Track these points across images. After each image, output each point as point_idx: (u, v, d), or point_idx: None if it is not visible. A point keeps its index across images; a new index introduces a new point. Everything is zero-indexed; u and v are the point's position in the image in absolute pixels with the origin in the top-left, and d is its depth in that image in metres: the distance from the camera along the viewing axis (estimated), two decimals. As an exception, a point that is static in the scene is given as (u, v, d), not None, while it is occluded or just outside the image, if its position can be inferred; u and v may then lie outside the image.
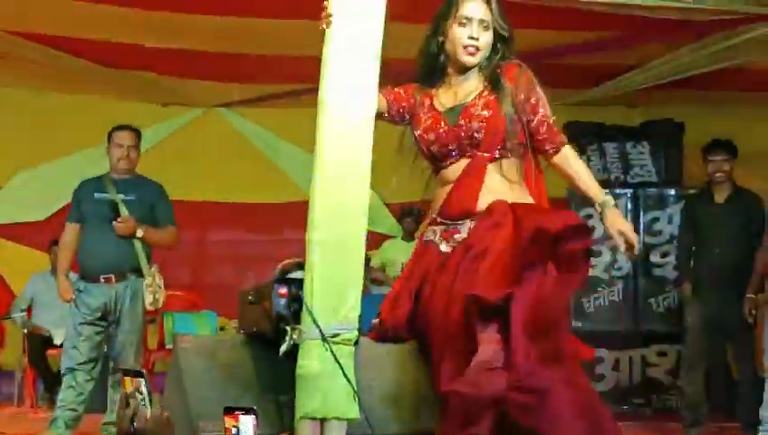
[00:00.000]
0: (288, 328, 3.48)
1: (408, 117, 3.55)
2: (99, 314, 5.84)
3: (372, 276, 9.08)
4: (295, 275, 3.60)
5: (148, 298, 5.92)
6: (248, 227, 9.28)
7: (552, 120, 3.47)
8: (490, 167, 3.40)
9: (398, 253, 9.31)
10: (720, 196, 6.71)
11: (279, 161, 9.00)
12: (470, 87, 3.47)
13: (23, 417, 7.44)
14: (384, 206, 9.45)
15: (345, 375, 3.41)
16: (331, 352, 3.40)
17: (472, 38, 3.43)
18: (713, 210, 6.71)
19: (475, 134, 3.38)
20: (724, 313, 6.44)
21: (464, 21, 3.44)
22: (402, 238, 9.39)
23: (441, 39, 3.47)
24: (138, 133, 6.22)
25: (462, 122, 3.40)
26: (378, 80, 3.58)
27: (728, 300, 6.42)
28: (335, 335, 3.43)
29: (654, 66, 7.19)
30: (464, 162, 3.40)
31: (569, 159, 3.50)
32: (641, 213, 8.46)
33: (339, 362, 3.40)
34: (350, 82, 3.54)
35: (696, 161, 7.28)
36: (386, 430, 3.55)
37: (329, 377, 3.41)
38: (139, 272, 5.93)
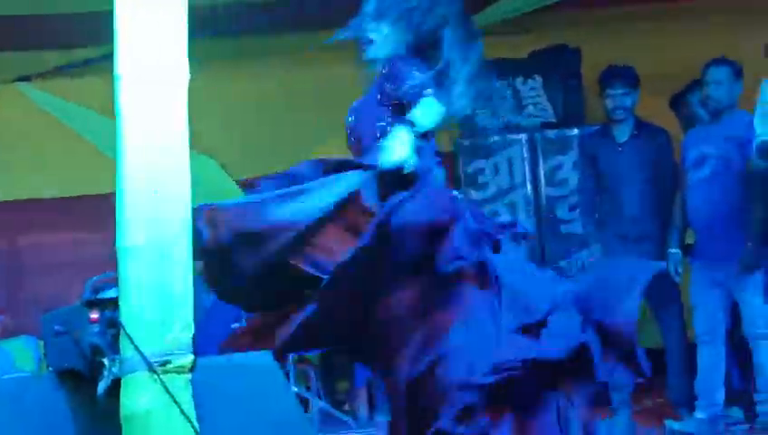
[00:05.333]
0: (105, 360, 3.37)
1: None
2: None
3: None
4: (109, 293, 3.48)
5: None
6: (70, 226, 9.06)
7: None
8: None
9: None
10: (622, 133, 6.74)
11: (99, 143, 8.79)
12: None
13: None
14: (235, 184, 9.35)
15: (182, 410, 3.32)
16: (162, 383, 3.31)
17: None
18: (614, 152, 6.72)
19: None
20: None
21: None
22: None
23: None
24: None
25: None
26: (187, 36, 3.48)
27: (645, 257, 6.46)
28: (165, 363, 3.34)
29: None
30: None
31: None
32: (540, 160, 8.49)
33: (172, 396, 3.31)
34: (151, 45, 3.42)
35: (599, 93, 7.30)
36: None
37: (161, 415, 3.33)
38: None
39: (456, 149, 8.88)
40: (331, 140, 9.83)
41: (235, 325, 7.99)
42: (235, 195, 9.43)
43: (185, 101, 3.48)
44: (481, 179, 8.68)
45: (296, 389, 7.29)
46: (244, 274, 3.79)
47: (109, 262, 3.50)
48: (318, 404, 7.93)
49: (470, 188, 8.75)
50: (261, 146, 9.49)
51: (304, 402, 7.54)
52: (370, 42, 4.19)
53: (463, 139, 8.77)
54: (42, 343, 7.79)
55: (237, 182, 9.48)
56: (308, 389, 8.14)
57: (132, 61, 3.47)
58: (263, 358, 3.89)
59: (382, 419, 8.55)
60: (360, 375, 8.33)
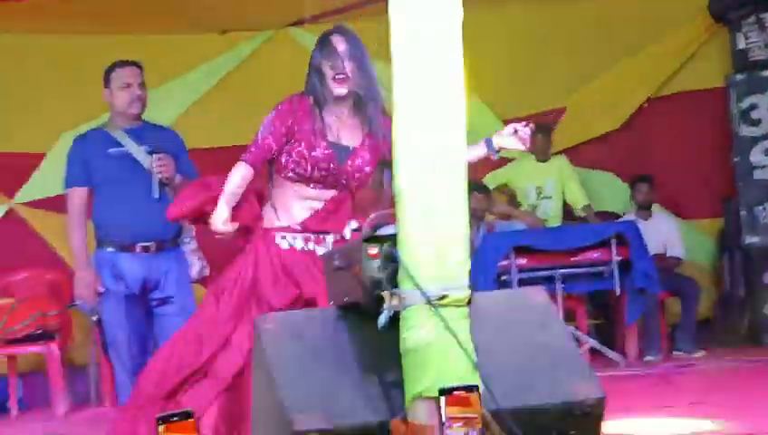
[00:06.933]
0: (385, 295, 3.48)
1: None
2: (137, 291, 5.85)
3: (496, 210, 9.05)
4: (387, 230, 3.58)
5: (195, 266, 5.94)
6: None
7: None
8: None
9: (531, 176, 9.26)
10: None
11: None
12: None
13: (102, 418, 7.62)
14: (501, 123, 9.40)
15: (459, 342, 3.40)
16: (440, 317, 3.40)
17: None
18: None
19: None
20: None
21: None
22: (537, 159, 9.31)
23: None
24: (141, 68, 6.15)
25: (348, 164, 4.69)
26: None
27: None
28: (442, 297, 3.42)
29: None
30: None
31: None
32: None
33: (450, 329, 3.39)
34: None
35: None
36: (515, 402, 3.53)
37: (440, 347, 3.41)
38: (178, 236, 5.92)
39: (727, 85, 8.69)
40: (581, 87, 9.81)
41: (504, 263, 8.11)
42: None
43: (459, 42, 3.54)
44: (755, 115, 8.47)
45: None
46: None
47: (387, 200, 3.61)
48: (588, 342, 7.95)
49: (743, 124, 8.55)
50: (526, 85, 9.52)
51: (574, 341, 7.57)
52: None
53: (735, 73, 8.56)
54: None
55: (504, 122, 9.53)
56: (577, 327, 8.17)
57: (405, 1, 3.53)
58: (536, 293, 3.94)
59: (653, 358, 8.51)
60: (631, 314, 8.30)
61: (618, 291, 8.20)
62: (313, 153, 4.67)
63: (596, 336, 8.37)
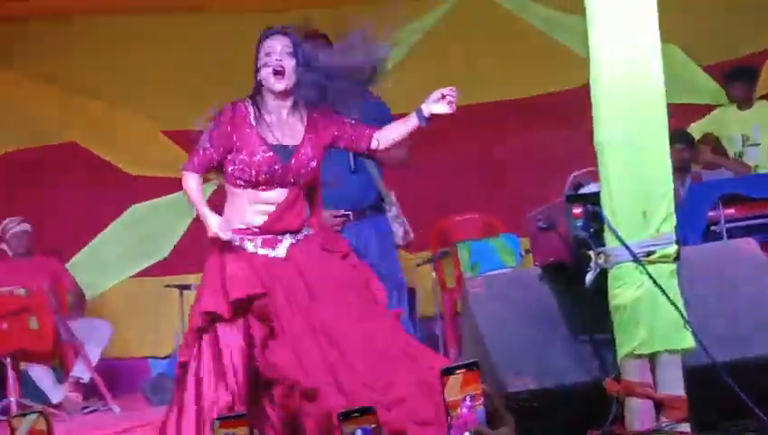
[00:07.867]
0: (591, 253, 3.47)
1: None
2: None
3: (702, 159, 8.88)
4: (590, 188, 3.57)
5: (399, 231, 5.95)
6: (542, 124, 9.23)
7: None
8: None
9: (735, 124, 9.04)
10: None
11: (563, 37, 8.92)
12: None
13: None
14: (699, 69, 9.21)
15: (669, 299, 3.37)
16: (648, 274, 3.37)
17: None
18: None
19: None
20: None
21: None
22: (738, 107, 9.10)
23: None
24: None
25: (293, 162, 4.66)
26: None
27: None
28: (649, 254, 3.39)
29: None
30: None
31: (383, 132, 4.72)
32: None
33: (659, 285, 3.37)
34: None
35: None
36: (729, 356, 3.49)
37: (650, 304, 3.39)
38: (379, 203, 5.92)
39: None
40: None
41: (712, 213, 7.95)
42: (703, 84, 9.29)
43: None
44: None
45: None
46: None
47: (588, 157, 3.58)
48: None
49: None
50: (726, 29, 9.28)
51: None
52: None
53: None
54: (522, 239, 8.07)
55: (702, 67, 9.34)
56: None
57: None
58: (746, 244, 3.87)
59: None
60: None
61: (834, 239, 7.94)
62: (255, 158, 4.67)
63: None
